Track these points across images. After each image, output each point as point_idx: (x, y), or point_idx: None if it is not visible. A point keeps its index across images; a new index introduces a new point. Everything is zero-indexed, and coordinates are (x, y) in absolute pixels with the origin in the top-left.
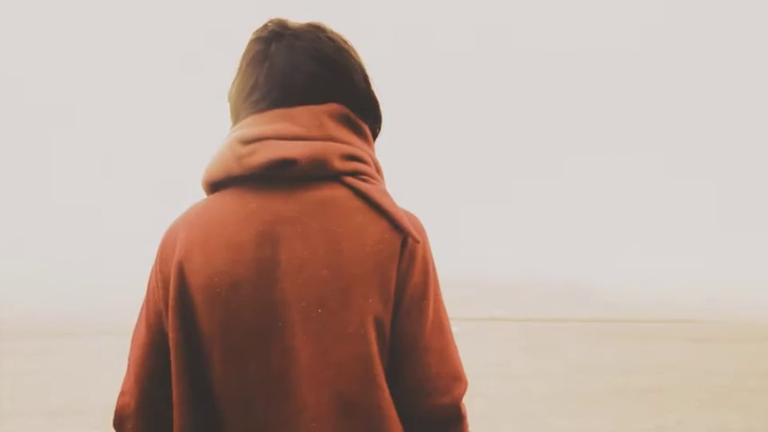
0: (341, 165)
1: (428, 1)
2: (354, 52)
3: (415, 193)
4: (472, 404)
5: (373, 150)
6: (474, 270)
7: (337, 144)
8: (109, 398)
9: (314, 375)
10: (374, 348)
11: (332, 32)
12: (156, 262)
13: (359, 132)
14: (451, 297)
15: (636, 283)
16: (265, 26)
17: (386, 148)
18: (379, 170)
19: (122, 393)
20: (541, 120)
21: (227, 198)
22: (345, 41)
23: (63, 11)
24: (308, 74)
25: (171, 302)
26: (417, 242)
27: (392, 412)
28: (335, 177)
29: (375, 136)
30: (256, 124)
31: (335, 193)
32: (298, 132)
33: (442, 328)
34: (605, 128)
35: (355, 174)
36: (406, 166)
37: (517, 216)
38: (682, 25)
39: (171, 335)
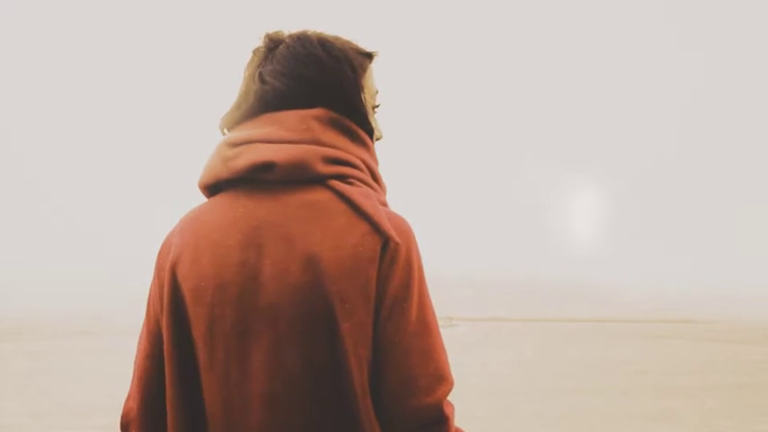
0: (324, 168)
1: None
2: (336, 60)
3: (416, 193)
4: (478, 402)
5: (371, 155)
6: (475, 270)
7: (321, 148)
8: (108, 397)
9: (292, 379)
10: (354, 353)
11: (311, 42)
12: (154, 268)
13: (352, 136)
14: (453, 297)
15: (636, 283)
16: (260, 40)
17: (388, 149)
18: (375, 174)
19: (128, 398)
20: (541, 119)
21: (218, 202)
22: (327, 50)
23: (63, 12)
24: (280, 82)
25: (164, 307)
26: (397, 244)
27: (370, 419)
28: (320, 181)
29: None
30: (246, 128)
31: (319, 196)
32: (284, 136)
33: (426, 328)
34: (604, 127)
35: (341, 177)
36: (408, 166)
37: (518, 216)
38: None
39: (164, 338)
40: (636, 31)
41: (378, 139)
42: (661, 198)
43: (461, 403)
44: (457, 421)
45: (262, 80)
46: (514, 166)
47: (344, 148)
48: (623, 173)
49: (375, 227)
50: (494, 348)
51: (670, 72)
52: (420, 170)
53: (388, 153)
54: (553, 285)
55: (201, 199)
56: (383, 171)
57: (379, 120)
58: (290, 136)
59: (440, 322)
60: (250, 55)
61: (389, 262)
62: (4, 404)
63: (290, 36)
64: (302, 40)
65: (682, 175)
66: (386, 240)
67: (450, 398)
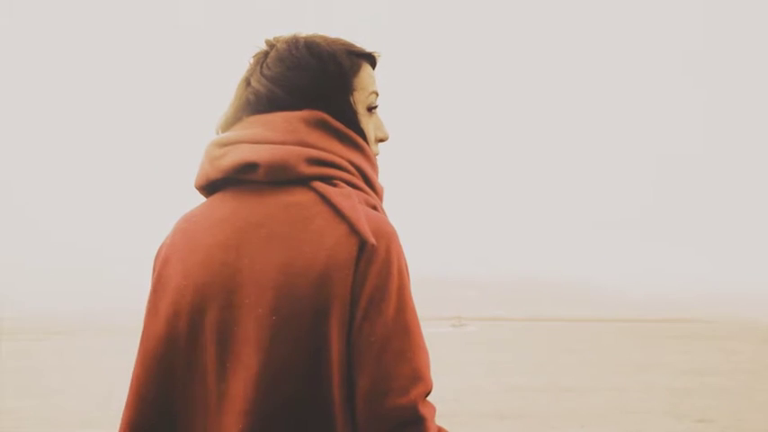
0: (307, 169)
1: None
2: (321, 61)
3: (416, 194)
4: (478, 401)
5: (365, 157)
6: (475, 270)
7: (306, 149)
8: (107, 396)
9: (263, 381)
10: (327, 356)
11: (298, 44)
12: (152, 270)
13: (342, 138)
14: (453, 297)
15: (636, 283)
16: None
17: (393, 151)
18: (368, 177)
19: (126, 406)
20: (542, 120)
21: (210, 203)
22: (313, 51)
23: (62, 14)
24: (262, 85)
25: (148, 306)
26: (373, 245)
27: (344, 421)
28: (304, 182)
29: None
30: (234, 129)
31: (301, 197)
32: (269, 137)
33: (404, 329)
34: (605, 129)
35: (324, 178)
36: (407, 167)
37: (518, 217)
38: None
39: (143, 335)
40: (639, 34)
41: (382, 141)
42: (662, 199)
43: (472, 401)
44: (466, 419)
45: (248, 83)
46: (516, 168)
47: (331, 149)
48: (624, 174)
49: (352, 228)
50: (495, 347)
51: (673, 67)
52: (426, 174)
53: (393, 156)
54: (553, 285)
55: (202, 200)
56: (389, 174)
57: (384, 121)
58: (275, 137)
59: (450, 322)
60: (251, 61)
61: (366, 263)
62: (4, 403)
63: (282, 40)
64: (290, 43)
65: (682, 176)
66: (363, 242)
67: (458, 395)
